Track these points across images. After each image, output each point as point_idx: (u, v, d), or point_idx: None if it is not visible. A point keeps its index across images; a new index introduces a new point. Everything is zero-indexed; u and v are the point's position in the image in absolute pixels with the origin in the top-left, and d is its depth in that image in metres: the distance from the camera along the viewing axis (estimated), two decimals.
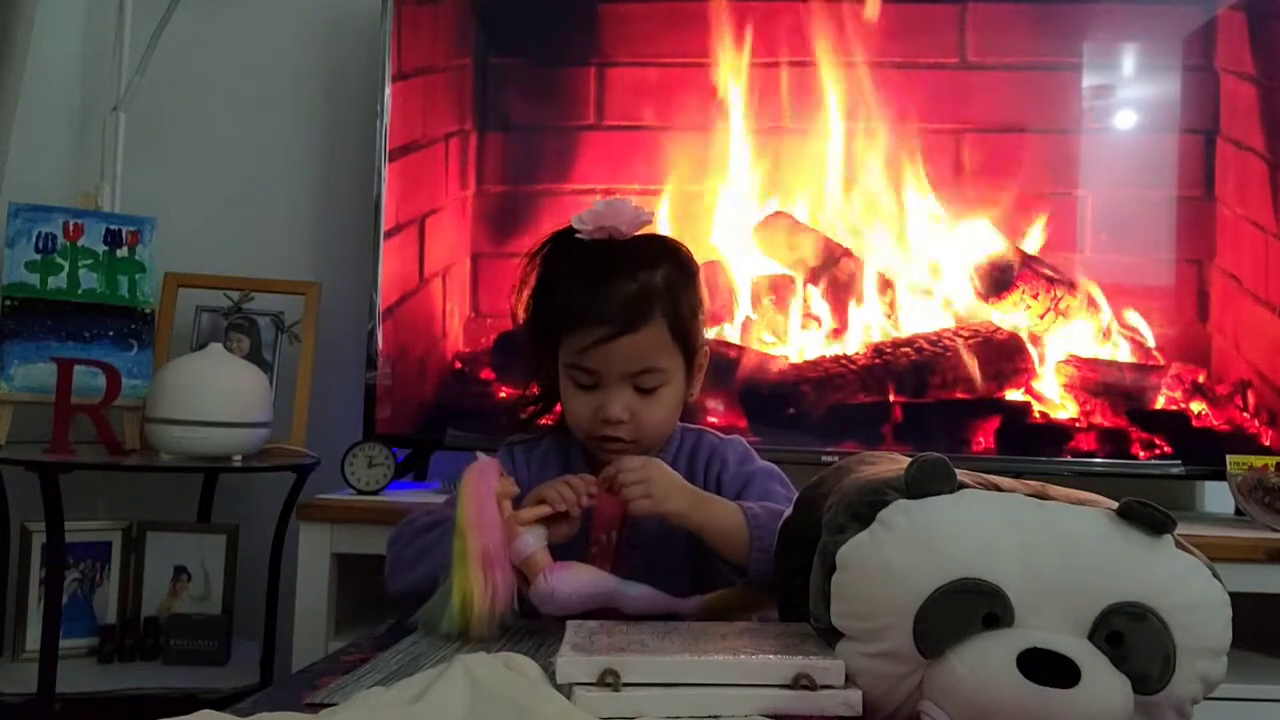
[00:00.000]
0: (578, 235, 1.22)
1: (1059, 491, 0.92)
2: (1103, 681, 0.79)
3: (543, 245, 1.28)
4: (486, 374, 2.17)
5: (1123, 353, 2.10)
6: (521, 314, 1.27)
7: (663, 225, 2.12)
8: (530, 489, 1.20)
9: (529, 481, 1.25)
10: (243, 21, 2.39)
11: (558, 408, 1.31)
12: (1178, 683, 0.82)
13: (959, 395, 2.07)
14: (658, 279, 1.19)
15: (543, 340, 1.25)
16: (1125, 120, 2.14)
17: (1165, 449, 2.04)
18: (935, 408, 2.07)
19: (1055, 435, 2.05)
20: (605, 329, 1.15)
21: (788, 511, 1.12)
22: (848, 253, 2.13)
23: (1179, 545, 0.87)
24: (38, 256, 2.09)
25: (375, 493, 1.97)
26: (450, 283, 2.20)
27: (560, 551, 1.16)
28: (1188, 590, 0.84)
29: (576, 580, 1.10)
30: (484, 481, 1.10)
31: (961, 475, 0.90)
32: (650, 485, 1.14)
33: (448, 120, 2.19)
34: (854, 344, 2.11)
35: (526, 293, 1.27)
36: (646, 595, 1.12)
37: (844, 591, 0.87)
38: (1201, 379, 2.07)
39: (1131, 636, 0.81)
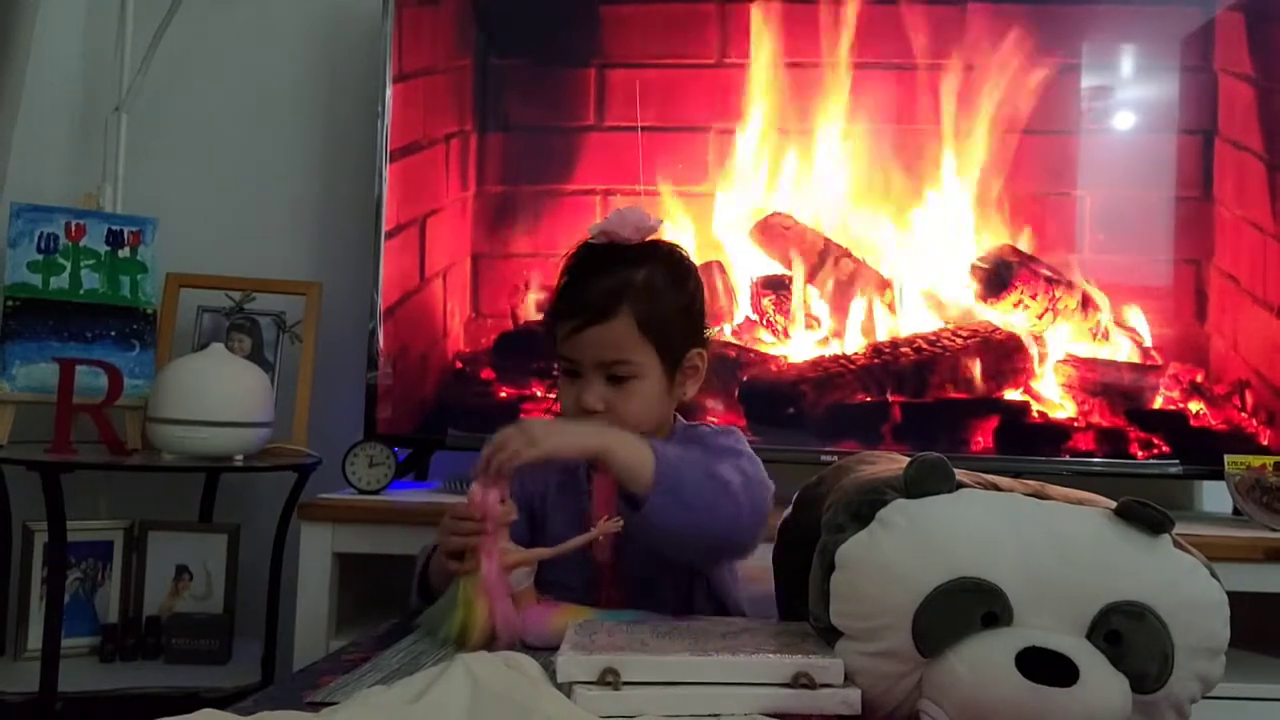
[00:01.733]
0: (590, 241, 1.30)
1: (1057, 491, 0.92)
2: (1101, 680, 0.79)
3: (566, 260, 1.35)
4: (487, 374, 2.17)
5: (1121, 353, 2.10)
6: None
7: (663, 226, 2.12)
8: (537, 492, 1.28)
9: (533, 487, 1.30)
10: (244, 23, 2.39)
11: None
12: (1176, 681, 0.82)
13: (958, 395, 2.07)
14: (636, 277, 1.26)
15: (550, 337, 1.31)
16: (1124, 121, 2.15)
17: (1163, 449, 2.04)
18: (934, 407, 2.07)
19: (1054, 435, 2.06)
20: (577, 319, 1.24)
21: (787, 511, 1.12)
22: (847, 253, 2.14)
23: (1177, 544, 0.87)
24: (40, 257, 2.10)
25: (376, 492, 1.98)
26: (450, 283, 2.20)
27: (559, 570, 1.18)
28: (1186, 589, 0.85)
29: (545, 630, 1.09)
30: (485, 509, 1.10)
31: (960, 475, 0.90)
32: (529, 432, 1.13)
33: (448, 121, 2.20)
34: (853, 344, 2.11)
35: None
36: None
37: (843, 591, 0.87)
38: (1199, 379, 2.07)
39: (1130, 635, 0.81)
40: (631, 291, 1.24)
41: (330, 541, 1.89)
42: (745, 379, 2.08)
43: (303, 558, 1.89)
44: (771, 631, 0.97)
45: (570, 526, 1.24)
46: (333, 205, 2.37)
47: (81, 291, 2.12)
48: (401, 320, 2.15)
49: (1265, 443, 2.01)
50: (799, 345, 2.13)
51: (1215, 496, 2.14)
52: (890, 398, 2.06)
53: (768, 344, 2.13)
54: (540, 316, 2.11)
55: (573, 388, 1.26)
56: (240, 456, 2.00)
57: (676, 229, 2.13)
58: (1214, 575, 0.87)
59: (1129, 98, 2.14)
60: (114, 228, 2.17)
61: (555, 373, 1.32)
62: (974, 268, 2.11)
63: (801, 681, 0.81)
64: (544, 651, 1.04)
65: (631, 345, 1.24)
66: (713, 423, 2.00)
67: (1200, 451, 2.02)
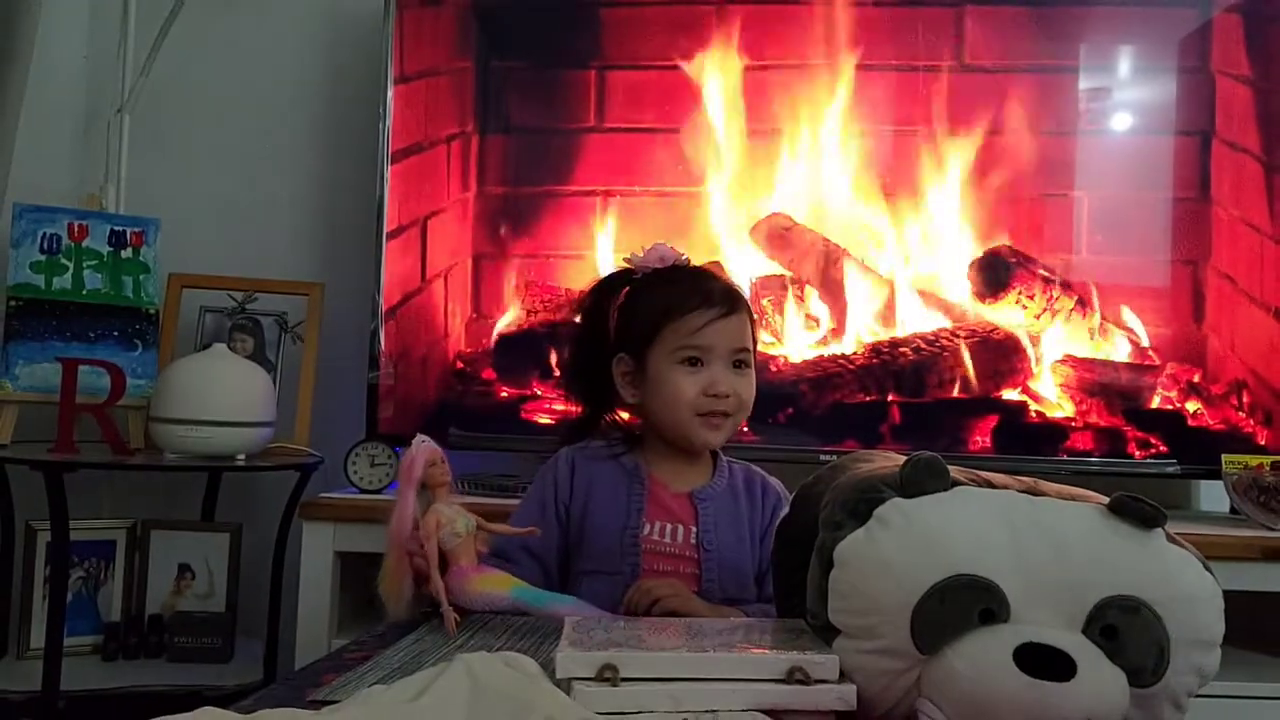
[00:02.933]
0: (632, 270, 1.40)
1: (1051, 487, 0.93)
2: (1099, 675, 0.80)
3: (600, 284, 1.43)
4: (488, 374, 2.18)
5: (1119, 353, 2.11)
6: (586, 338, 1.41)
7: (663, 227, 2.14)
8: (581, 493, 1.37)
9: (577, 487, 1.37)
10: (246, 24, 2.40)
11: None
12: (1173, 674, 0.82)
13: (957, 395, 2.08)
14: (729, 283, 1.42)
15: (628, 348, 1.36)
16: (1121, 122, 2.15)
17: (1161, 448, 2.05)
18: (933, 407, 2.08)
19: (1052, 435, 2.06)
20: (718, 309, 1.33)
21: (784, 510, 1.13)
22: (846, 253, 2.15)
23: (1169, 538, 0.88)
24: (43, 257, 2.11)
25: (378, 491, 1.99)
26: (452, 283, 2.21)
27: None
28: (1179, 582, 0.85)
29: (463, 588, 1.17)
30: (409, 470, 1.18)
31: (955, 472, 0.91)
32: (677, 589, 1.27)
33: (449, 122, 2.20)
34: (852, 344, 2.12)
35: (585, 321, 1.42)
36: (561, 611, 1.16)
37: (841, 588, 0.88)
38: (1197, 379, 2.08)
39: (1125, 629, 0.81)
40: (740, 293, 1.40)
41: (332, 540, 1.90)
42: None
43: (304, 557, 1.90)
44: (767, 628, 0.98)
45: (615, 519, 1.33)
46: (334, 206, 2.38)
47: (84, 292, 2.13)
48: (403, 320, 2.16)
49: (1262, 442, 2.02)
50: (798, 345, 2.13)
51: (1213, 496, 2.15)
52: (889, 398, 2.07)
53: (767, 344, 2.14)
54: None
55: (696, 378, 1.32)
56: (242, 456, 2.01)
57: (677, 230, 2.14)
58: (1207, 568, 0.88)
59: (1127, 99, 2.14)
60: (116, 228, 2.18)
61: (623, 370, 1.37)
62: (972, 268, 2.12)
63: (796, 677, 0.82)
64: (467, 613, 1.14)
65: (749, 335, 1.36)
66: None
67: (1198, 451, 2.03)
